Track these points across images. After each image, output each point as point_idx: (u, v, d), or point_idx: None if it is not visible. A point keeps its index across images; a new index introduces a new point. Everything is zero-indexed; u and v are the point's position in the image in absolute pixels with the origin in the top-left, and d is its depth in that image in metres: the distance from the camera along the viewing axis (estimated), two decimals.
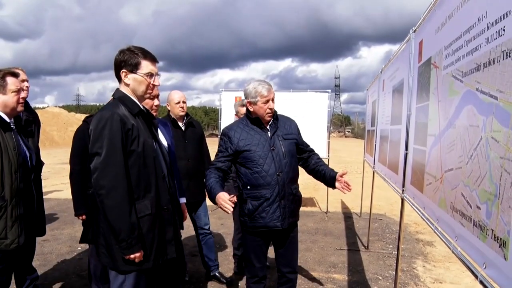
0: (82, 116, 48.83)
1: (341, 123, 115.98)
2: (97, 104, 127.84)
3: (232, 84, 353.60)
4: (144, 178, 2.20)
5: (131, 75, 2.23)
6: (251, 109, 2.84)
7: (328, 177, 2.88)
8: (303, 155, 3.04)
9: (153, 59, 2.29)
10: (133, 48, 2.25)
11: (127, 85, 2.25)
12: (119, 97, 2.25)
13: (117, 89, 2.31)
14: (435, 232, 2.06)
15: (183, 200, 3.22)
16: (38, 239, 3.58)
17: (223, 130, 2.93)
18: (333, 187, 2.86)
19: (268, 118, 2.86)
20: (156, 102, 2.96)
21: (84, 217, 3.26)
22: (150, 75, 2.27)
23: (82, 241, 3.23)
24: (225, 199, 2.48)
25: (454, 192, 1.81)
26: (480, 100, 1.53)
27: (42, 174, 3.30)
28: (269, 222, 2.79)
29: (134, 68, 2.22)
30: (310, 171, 3.04)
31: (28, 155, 2.78)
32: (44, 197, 3.31)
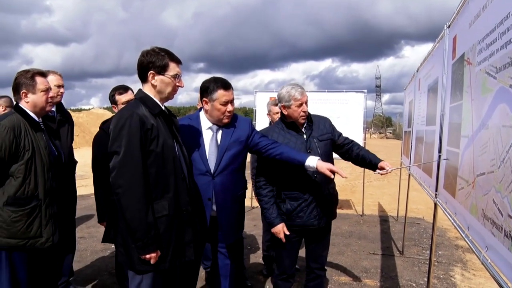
0: None
1: (382, 124, 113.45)
2: None
3: (272, 85, 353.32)
4: (163, 178, 2.18)
5: (158, 77, 2.22)
6: (285, 113, 2.86)
7: (373, 164, 2.83)
8: (343, 149, 3.01)
9: (178, 61, 2.29)
10: (158, 50, 2.23)
11: (154, 86, 2.24)
12: (140, 97, 2.24)
13: (139, 90, 2.30)
14: (465, 240, 1.91)
15: None
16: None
17: None
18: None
19: (302, 121, 2.88)
20: (229, 107, 2.70)
21: (104, 224, 3.35)
22: (177, 76, 2.27)
23: (104, 240, 3.25)
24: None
25: (486, 198, 1.67)
26: None
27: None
28: (306, 221, 2.84)
29: (162, 70, 2.21)
30: (355, 163, 3.02)
31: (56, 154, 2.82)
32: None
